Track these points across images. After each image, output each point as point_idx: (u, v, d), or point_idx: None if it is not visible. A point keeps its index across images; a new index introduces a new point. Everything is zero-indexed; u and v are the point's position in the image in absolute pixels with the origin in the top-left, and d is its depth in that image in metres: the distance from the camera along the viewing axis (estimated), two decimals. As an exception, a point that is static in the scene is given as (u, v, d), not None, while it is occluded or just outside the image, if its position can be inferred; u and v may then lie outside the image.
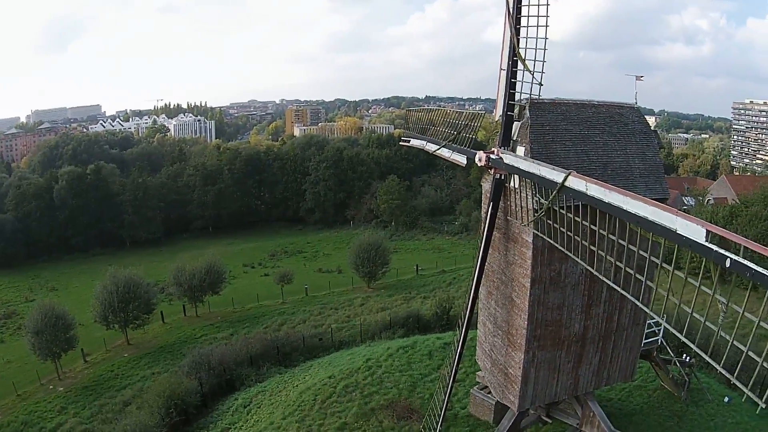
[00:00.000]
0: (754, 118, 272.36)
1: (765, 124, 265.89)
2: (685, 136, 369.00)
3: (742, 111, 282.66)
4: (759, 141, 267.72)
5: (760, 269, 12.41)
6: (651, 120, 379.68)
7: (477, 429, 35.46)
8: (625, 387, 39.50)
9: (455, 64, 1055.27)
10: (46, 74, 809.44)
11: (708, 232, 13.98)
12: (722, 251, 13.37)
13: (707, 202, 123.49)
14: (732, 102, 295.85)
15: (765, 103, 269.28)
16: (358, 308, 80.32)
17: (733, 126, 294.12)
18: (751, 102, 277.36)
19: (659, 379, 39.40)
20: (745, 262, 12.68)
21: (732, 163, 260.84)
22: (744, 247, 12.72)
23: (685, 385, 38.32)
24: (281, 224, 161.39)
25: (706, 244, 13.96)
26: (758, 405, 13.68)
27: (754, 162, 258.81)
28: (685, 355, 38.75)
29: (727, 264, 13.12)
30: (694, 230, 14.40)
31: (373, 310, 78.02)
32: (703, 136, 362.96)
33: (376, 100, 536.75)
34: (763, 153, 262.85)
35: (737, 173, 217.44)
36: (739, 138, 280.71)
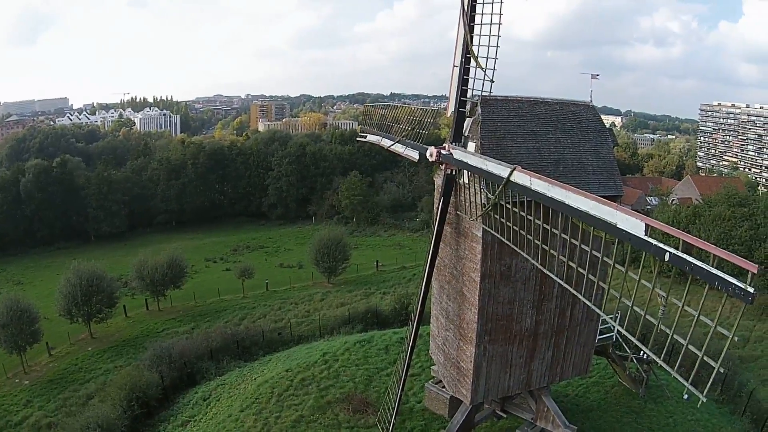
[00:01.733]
0: (721, 120, 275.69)
1: (732, 126, 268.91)
2: (652, 136, 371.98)
3: (710, 113, 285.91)
4: (726, 143, 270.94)
5: (698, 263, 12.56)
6: (617, 120, 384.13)
7: (432, 423, 35.64)
8: (582, 383, 39.93)
9: (422, 61, 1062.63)
10: (15, 66, 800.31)
11: (647, 226, 14.12)
12: (661, 245, 13.51)
13: (671, 202, 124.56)
14: (700, 103, 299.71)
15: (733, 105, 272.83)
16: (318, 303, 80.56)
17: (700, 127, 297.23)
18: (719, 104, 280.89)
19: (617, 376, 39.77)
20: (684, 255, 12.82)
21: (698, 164, 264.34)
22: (683, 241, 12.84)
23: (644, 382, 38.68)
24: (244, 219, 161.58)
25: (646, 238, 14.10)
26: (702, 400, 13.80)
27: (720, 164, 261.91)
28: (642, 352, 38.97)
29: (666, 258, 13.27)
30: (633, 224, 14.54)
31: (332, 305, 78.38)
32: (670, 136, 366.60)
33: (341, 96, 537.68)
34: (730, 155, 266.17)
35: (703, 174, 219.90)
36: (706, 139, 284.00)
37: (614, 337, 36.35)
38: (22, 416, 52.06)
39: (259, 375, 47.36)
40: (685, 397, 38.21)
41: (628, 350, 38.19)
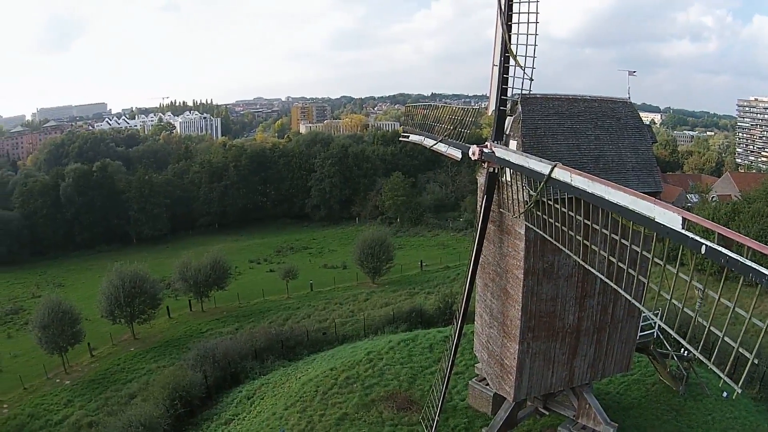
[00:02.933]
0: (758, 115, 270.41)
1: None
2: (691, 133, 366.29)
3: (747, 108, 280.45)
4: (764, 138, 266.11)
5: (733, 255, 12.71)
6: (656, 117, 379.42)
7: (475, 420, 35.75)
8: (623, 381, 39.77)
9: (460, 61, 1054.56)
10: (50, 72, 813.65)
11: (684, 219, 14.32)
12: (698, 238, 13.67)
13: (711, 199, 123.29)
14: (737, 99, 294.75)
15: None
16: (362, 303, 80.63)
17: (738, 123, 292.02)
18: (756, 99, 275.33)
19: (657, 374, 39.60)
20: (719, 248, 12.97)
21: (737, 160, 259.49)
22: (718, 234, 13.04)
23: (684, 380, 38.48)
24: (287, 221, 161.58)
25: (683, 231, 14.29)
26: (737, 391, 13.96)
27: (759, 159, 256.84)
28: (683, 349, 38.66)
29: (703, 250, 13.42)
30: (670, 218, 14.71)
31: (376, 305, 78.38)
32: (709, 133, 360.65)
33: (381, 97, 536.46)
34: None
35: (742, 170, 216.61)
36: (744, 135, 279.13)
37: (655, 333, 36.32)
38: (62, 415, 52.84)
39: (303, 374, 47.63)
40: (724, 394, 38.20)
41: (668, 347, 38.09)
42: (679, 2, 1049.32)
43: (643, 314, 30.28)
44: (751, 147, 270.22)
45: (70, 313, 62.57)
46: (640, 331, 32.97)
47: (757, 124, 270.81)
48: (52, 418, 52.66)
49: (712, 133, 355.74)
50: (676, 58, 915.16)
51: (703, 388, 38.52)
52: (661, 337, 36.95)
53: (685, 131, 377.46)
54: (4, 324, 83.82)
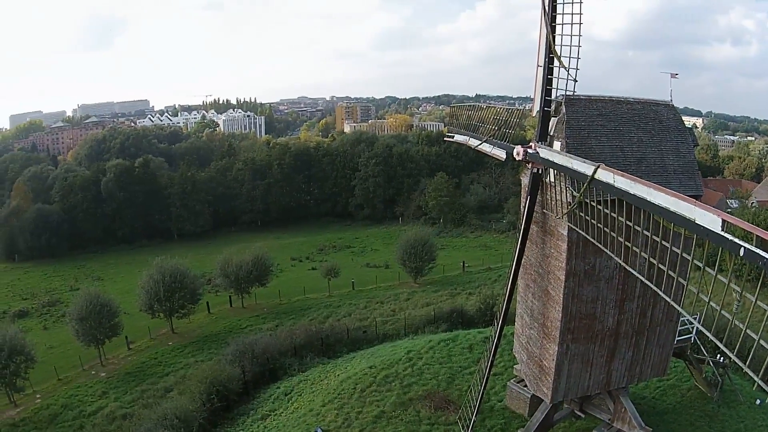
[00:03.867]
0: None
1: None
2: (732, 138, 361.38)
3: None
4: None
5: (770, 257, 12.79)
6: (698, 121, 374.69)
7: (512, 422, 35.80)
8: (659, 386, 39.75)
9: (504, 62, 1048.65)
10: (92, 69, 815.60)
11: (724, 221, 14.39)
12: (737, 240, 13.77)
13: (750, 205, 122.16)
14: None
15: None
16: (404, 302, 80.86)
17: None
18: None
19: (693, 379, 39.52)
20: (757, 250, 13.02)
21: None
22: (757, 236, 13.11)
23: (718, 386, 38.41)
24: (330, 219, 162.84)
25: (722, 233, 14.38)
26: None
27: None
28: (719, 355, 38.46)
29: (741, 252, 13.50)
30: (711, 220, 14.79)
31: (418, 304, 78.57)
32: (749, 138, 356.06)
33: (426, 97, 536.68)
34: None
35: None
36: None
37: (693, 338, 36.28)
38: (96, 407, 53.65)
39: (342, 371, 47.92)
40: (758, 402, 38.12)
41: (705, 353, 38.00)
42: (719, 5, 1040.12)
43: (681, 318, 30.37)
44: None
45: (108, 305, 63.59)
46: (678, 336, 32.96)
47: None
48: (86, 409, 53.44)
49: (753, 138, 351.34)
50: (718, 61, 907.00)
51: (737, 395, 38.44)
52: (698, 342, 36.89)
53: (726, 136, 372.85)
54: (40, 316, 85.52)
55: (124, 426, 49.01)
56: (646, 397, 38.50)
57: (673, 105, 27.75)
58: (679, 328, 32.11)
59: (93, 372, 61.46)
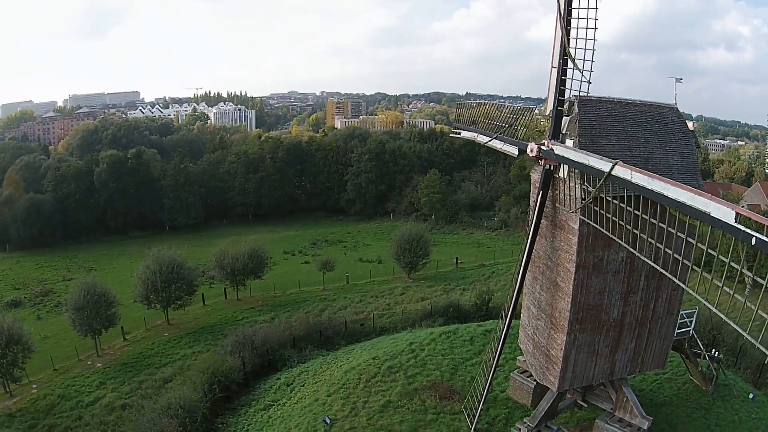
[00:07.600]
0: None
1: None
2: (722, 142, 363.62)
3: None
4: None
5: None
6: (690, 125, 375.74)
7: (515, 411, 36.58)
8: (656, 379, 40.55)
9: (497, 61, 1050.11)
10: (84, 59, 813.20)
11: (737, 214, 15.61)
12: (748, 231, 14.97)
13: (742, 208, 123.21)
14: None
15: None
16: (399, 297, 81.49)
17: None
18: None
19: (689, 373, 40.32)
20: (768, 239, 14.09)
21: (767, 171, 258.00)
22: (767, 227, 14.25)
23: (713, 380, 39.29)
24: (322, 214, 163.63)
25: (735, 224, 15.57)
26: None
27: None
28: (714, 350, 39.68)
29: (753, 242, 14.68)
30: (724, 212, 16.03)
31: (413, 299, 79.12)
32: (739, 143, 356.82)
33: (416, 95, 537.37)
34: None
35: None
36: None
37: (691, 332, 37.19)
38: (94, 397, 53.93)
39: (344, 362, 48.51)
40: (751, 396, 39.09)
41: (701, 347, 38.94)
42: (715, 10, 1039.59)
43: (681, 312, 31.42)
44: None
45: (105, 295, 63.85)
46: (677, 329, 33.89)
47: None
48: (84, 399, 53.72)
49: (743, 143, 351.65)
50: (713, 66, 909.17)
51: (731, 389, 39.37)
52: (695, 336, 37.86)
53: (716, 140, 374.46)
54: (34, 306, 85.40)
55: (124, 416, 49.28)
56: (644, 390, 39.19)
57: (677, 108, 28.62)
58: (678, 321, 33.02)
59: (89, 362, 61.66)
